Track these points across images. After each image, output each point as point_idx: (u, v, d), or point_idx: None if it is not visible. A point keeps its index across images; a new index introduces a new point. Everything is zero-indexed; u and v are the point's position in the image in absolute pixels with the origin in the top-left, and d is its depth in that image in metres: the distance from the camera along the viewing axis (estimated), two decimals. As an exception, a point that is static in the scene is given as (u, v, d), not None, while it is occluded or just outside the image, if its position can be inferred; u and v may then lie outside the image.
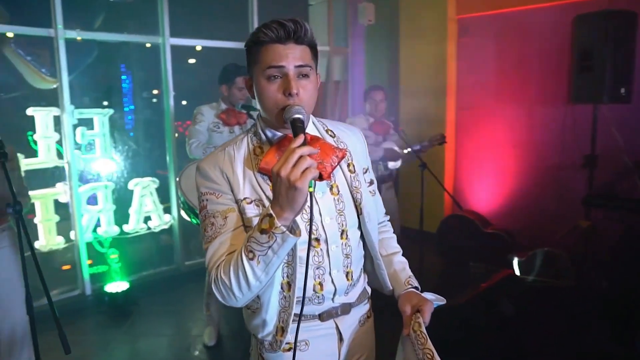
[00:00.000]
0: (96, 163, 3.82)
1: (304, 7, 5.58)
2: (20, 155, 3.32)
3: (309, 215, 0.99)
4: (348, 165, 1.22)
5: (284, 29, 1.05)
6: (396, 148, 3.68)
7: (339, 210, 1.18)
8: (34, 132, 3.51)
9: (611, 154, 3.76)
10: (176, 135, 4.28)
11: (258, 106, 1.14)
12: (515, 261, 3.84)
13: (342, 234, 1.19)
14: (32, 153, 3.52)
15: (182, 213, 2.73)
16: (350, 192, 1.21)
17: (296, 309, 1.13)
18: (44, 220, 3.56)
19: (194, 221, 2.42)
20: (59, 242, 3.63)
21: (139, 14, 4.59)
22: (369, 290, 1.35)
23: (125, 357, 3.15)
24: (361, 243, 1.26)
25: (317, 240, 1.16)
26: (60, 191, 3.66)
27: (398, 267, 1.32)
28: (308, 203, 0.96)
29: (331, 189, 1.19)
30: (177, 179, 2.60)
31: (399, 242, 1.42)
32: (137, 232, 4.01)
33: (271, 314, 1.15)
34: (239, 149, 1.16)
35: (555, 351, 2.90)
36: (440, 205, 5.01)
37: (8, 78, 4.14)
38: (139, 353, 3.17)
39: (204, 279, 3.18)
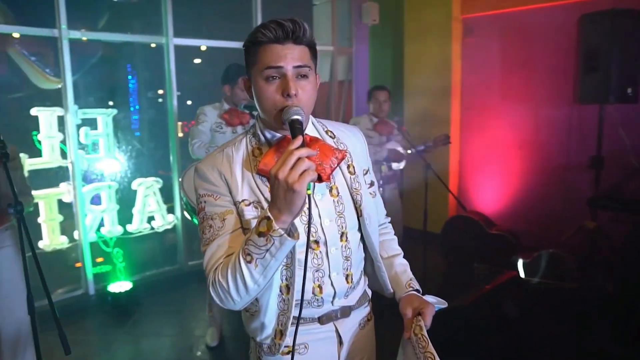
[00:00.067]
0: (100, 163, 3.83)
1: (308, 7, 5.57)
2: (24, 155, 3.33)
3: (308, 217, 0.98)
4: (348, 167, 1.21)
5: (283, 29, 1.03)
6: (400, 149, 3.66)
7: (338, 212, 1.17)
8: (39, 132, 3.53)
9: (617, 154, 3.73)
10: (181, 134, 4.28)
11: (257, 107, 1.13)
12: (520, 262, 3.81)
13: (341, 236, 1.18)
14: (36, 153, 3.53)
15: (185, 213, 2.73)
16: (350, 194, 1.20)
17: (295, 312, 1.11)
18: (48, 220, 3.57)
19: (196, 222, 2.42)
20: (62, 242, 3.64)
21: (143, 14, 4.60)
22: (369, 292, 1.33)
23: (128, 357, 3.16)
24: (361, 245, 1.25)
25: (317, 242, 1.15)
26: (64, 191, 3.67)
27: (399, 270, 1.31)
28: (307, 205, 0.95)
29: (331, 190, 1.18)
30: (180, 179, 2.60)
31: (401, 242, 1.41)
32: (140, 232, 4.02)
33: (270, 317, 1.14)
34: (238, 150, 1.15)
35: (559, 353, 2.88)
36: (445, 205, 4.99)
37: (12, 78, 4.17)
38: (142, 353, 3.17)
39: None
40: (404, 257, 1.36)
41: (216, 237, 1.08)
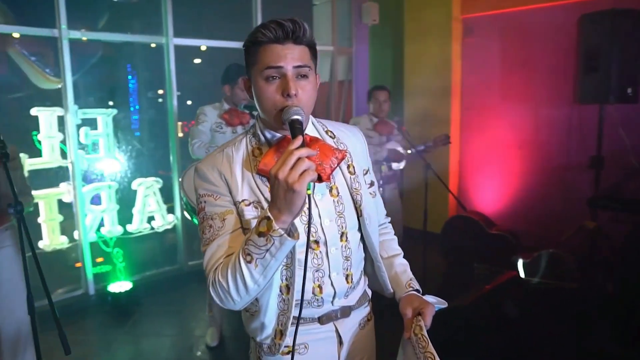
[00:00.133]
0: (100, 163, 3.83)
1: (308, 7, 5.58)
2: (24, 155, 3.33)
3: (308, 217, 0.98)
4: (348, 167, 1.21)
5: (282, 29, 1.03)
6: (400, 149, 3.66)
7: (338, 212, 1.17)
8: (39, 132, 3.53)
9: (617, 154, 3.73)
10: (181, 134, 4.28)
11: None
12: (520, 262, 3.81)
13: (341, 236, 1.18)
14: (36, 153, 3.53)
15: (185, 213, 2.73)
16: (350, 194, 1.20)
17: (295, 312, 1.11)
18: (48, 220, 3.57)
19: (196, 222, 2.42)
20: (62, 242, 3.64)
21: (143, 14, 4.60)
22: (369, 292, 1.33)
23: (128, 357, 3.16)
24: (361, 245, 1.25)
25: (317, 242, 1.15)
26: (64, 191, 3.67)
27: (399, 270, 1.31)
28: (307, 205, 0.95)
29: (331, 190, 1.18)
30: (180, 179, 2.60)
31: (401, 242, 1.41)
32: (140, 232, 4.02)
33: (270, 317, 1.14)
34: (238, 150, 1.15)
35: (559, 353, 2.88)
36: (445, 205, 4.99)
37: (12, 78, 4.17)
38: (141, 353, 3.17)
39: (207, 280, 3.18)
40: (404, 257, 1.36)
41: (216, 237, 1.08)
